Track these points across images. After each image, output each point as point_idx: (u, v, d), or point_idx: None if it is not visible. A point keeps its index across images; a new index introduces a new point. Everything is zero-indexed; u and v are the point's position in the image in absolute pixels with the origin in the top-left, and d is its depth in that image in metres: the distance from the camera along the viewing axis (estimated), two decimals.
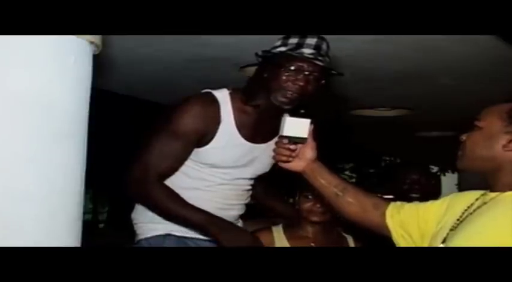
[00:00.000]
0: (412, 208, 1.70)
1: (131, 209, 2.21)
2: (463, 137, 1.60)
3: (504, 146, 1.51)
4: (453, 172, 7.38)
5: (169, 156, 1.99)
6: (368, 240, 2.30)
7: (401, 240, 1.68)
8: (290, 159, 1.84)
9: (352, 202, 1.77)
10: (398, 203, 1.75)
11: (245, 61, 2.05)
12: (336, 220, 2.46)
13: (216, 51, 2.93)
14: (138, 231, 2.16)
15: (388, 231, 1.70)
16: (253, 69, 2.13)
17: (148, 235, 2.11)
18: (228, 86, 2.09)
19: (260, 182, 2.32)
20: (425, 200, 1.73)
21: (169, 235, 2.08)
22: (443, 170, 8.11)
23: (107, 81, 3.44)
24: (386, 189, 3.29)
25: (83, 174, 1.29)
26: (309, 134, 1.81)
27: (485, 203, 1.51)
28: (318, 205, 2.46)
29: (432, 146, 5.85)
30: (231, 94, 2.04)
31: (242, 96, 2.02)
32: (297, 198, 2.57)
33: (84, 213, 1.32)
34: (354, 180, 8.83)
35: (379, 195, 2.00)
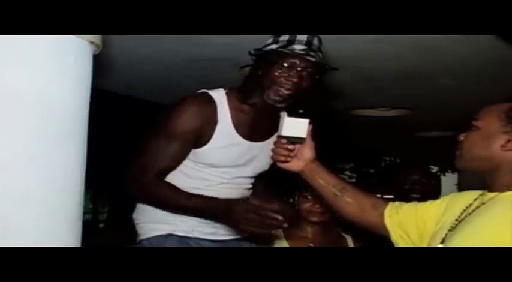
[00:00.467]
0: (411, 208, 1.70)
1: (131, 209, 2.21)
2: (461, 137, 1.60)
3: (502, 146, 1.51)
4: (453, 172, 7.38)
5: (167, 156, 1.99)
6: (367, 240, 2.30)
7: (399, 240, 1.68)
8: (288, 159, 1.84)
9: (351, 202, 1.77)
10: (397, 203, 1.74)
11: (245, 61, 2.05)
12: (335, 220, 2.46)
13: (216, 51, 2.93)
14: (139, 232, 2.16)
15: (387, 231, 1.70)
16: None
17: (150, 235, 2.11)
18: (228, 86, 2.09)
19: (259, 182, 2.32)
20: (425, 200, 1.73)
21: (171, 235, 2.08)
22: (443, 170, 8.11)
23: (107, 81, 3.44)
24: (386, 189, 3.29)
25: (83, 174, 1.29)
26: (307, 134, 1.81)
27: (483, 203, 1.51)
28: (317, 205, 2.46)
29: (432, 146, 5.84)
30: (227, 94, 2.04)
31: (238, 95, 2.03)
32: (296, 198, 2.57)
33: (84, 213, 1.32)
34: (354, 180, 8.83)
35: (379, 195, 2.00)
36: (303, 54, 1.89)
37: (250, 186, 2.24)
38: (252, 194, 2.30)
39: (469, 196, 1.59)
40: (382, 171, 8.83)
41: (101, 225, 8.49)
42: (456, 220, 1.53)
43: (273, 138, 1.98)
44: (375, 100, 4.35)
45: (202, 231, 2.09)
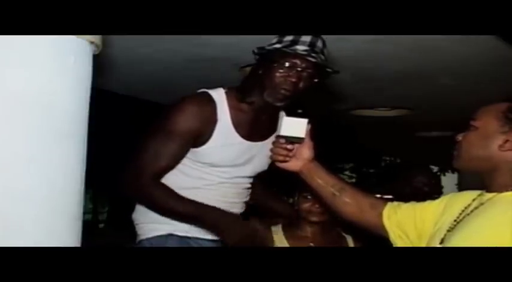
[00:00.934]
0: (409, 208, 1.70)
1: (131, 209, 2.21)
2: (459, 137, 1.60)
3: (500, 146, 1.50)
4: (453, 172, 7.37)
5: (165, 155, 1.99)
6: (367, 240, 2.30)
7: (398, 240, 1.68)
8: (287, 159, 1.84)
9: (349, 202, 1.77)
10: (396, 203, 1.74)
11: (245, 61, 2.06)
12: (335, 220, 2.46)
13: (216, 51, 2.93)
14: (139, 232, 2.16)
15: (385, 231, 1.70)
16: None
17: (150, 235, 2.11)
18: (227, 85, 2.10)
19: (259, 182, 2.32)
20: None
21: (171, 235, 2.08)
22: (443, 170, 8.10)
23: (107, 81, 3.44)
24: (386, 189, 3.29)
25: (83, 174, 1.29)
26: (306, 134, 1.82)
27: (482, 204, 1.51)
28: (317, 205, 2.46)
29: (432, 146, 5.84)
30: (226, 93, 2.05)
31: (237, 94, 2.03)
32: (296, 198, 2.57)
33: (84, 213, 1.32)
34: (354, 180, 8.82)
35: (379, 195, 2.00)
36: (305, 55, 1.89)
37: (249, 186, 2.24)
38: (252, 196, 2.30)
39: (468, 196, 1.58)
40: (382, 171, 8.82)
41: (101, 225, 8.48)
42: (455, 220, 1.53)
43: (272, 138, 1.98)
44: (375, 100, 4.35)
45: (202, 231, 2.09)
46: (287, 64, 1.91)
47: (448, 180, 7.18)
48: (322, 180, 1.81)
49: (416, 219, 1.65)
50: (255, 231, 2.04)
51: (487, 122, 1.53)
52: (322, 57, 1.93)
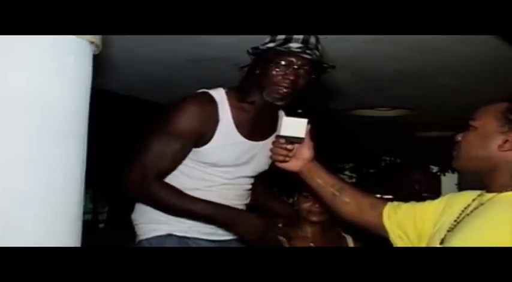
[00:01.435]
0: (409, 208, 1.70)
1: (131, 209, 2.21)
2: (459, 137, 1.59)
3: (500, 146, 1.50)
4: (453, 172, 7.37)
5: (167, 156, 1.99)
6: (367, 240, 2.30)
7: (398, 240, 1.68)
8: (287, 159, 1.84)
9: (349, 202, 1.77)
10: (395, 203, 1.74)
11: (245, 61, 2.05)
12: (335, 220, 2.46)
13: (216, 51, 2.93)
14: (138, 232, 2.16)
15: (385, 231, 1.70)
16: None
17: (149, 236, 2.11)
18: (227, 85, 2.10)
19: (259, 182, 2.32)
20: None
21: (170, 235, 2.08)
22: (443, 170, 8.11)
23: (107, 81, 3.44)
24: (386, 189, 3.30)
25: (83, 174, 1.29)
26: (306, 134, 1.82)
27: (482, 204, 1.51)
28: (317, 205, 2.46)
29: (432, 146, 5.85)
30: (227, 93, 2.05)
31: (237, 94, 2.03)
32: (296, 198, 2.57)
33: (84, 213, 1.32)
34: (354, 180, 8.83)
35: (378, 195, 2.00)
36: (299, 52, 1.90)
37: (250, 187, 2.24)
38: (252, 196, 2.30)
39: (467, 196, 1.58)
40: (382, 171, 8.83)
41: (101, 225, 8.48)
42: (455, 221, 1.53)
43: (273, 138, 1.98)
44: (375, 100, 4.35)
45: (200, 231, 2.09)
46: (283, 62, 1.92)
47: (448, 180, 7.19)
48: (322, 180, 1.81)
49: (416, 219, 1.65)
50: (270, 224, 2.05)
51: (487, 122, 1.53)
52: (317, 53, 1.93)
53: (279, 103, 1.96)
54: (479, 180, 1.57)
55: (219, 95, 2.04)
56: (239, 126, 2.04)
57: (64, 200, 1.22)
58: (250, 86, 2.01)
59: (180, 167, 2.06)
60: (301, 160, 1.83)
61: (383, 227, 1.70)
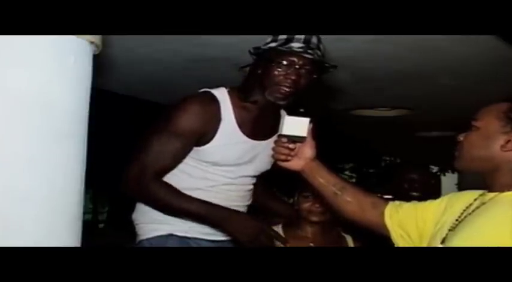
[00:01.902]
0: (411, 208, 1.70)
1: (131, 209, 2.20)
2: (461, 137, 1.59)
3: (502, 146, 1.50)
4: (453, 172, 7.37)
5: (167, 155, 1.99)
6: (367, 240, 2.30)
7: (400, 240, 1.68)
8: (289, 158, 1.84)
9: (351, 201, 1.77)
10: (397, 202, 1.74)
11: (245, 61, 2.05)
12: (335, 220, 2.46)
13: (216, 51, 2.93)
14: (139, 232, 2.16)
15: (387, 230, 1.70)
16: None
17: (150, 236, 2.11)
18: (229, 85, 2.10)
19: (260, 182, 2.32)
20: (425, 200, 1.73)
21: (171, 235, 2.08)
22: (443, 170, 8.10)
23: (107, 81, 3.44)
24: (386, 189, 3.29)
25: (83, 174, 1.29)
26: (308, 133, 1.82)
27: (483, 204, 1.51)
28: (317, 205, 2.46)
29: (432, 146, 5.85)
30: (229, 92, 2.05)
31: (239, 93, 2.04)
32: (296, 198, 2.57)
33: (84, 213, 1.32)
34: (354, 180, 8.82)
35: (379, 195, 2.00)
36: (301, 52, 1.90)
37: (252, 187, 2.24)
38: (252, 196, 2.30)
39: (469, 196, 1.58)
40: (382, 171, 8.82)
41: (101, 225, 8.47)
42: (456, 220, 1.53)
43: (275, 137, 1.99)
44: (375, 100, 4.35)
45: (201, 232, 2.09)
46: (284, 62, 1.92)
47: (448, 180, 7.19)
48: (324, 180, 1.81)
49: (418, 218, 1.65)
50: (264, 227, 2.04)
51: (489, 122, 1.53)
52: (319, 53, 1.94)
53: (281, 102, 1.97)
54: (481, 180, 1.57)
55: (221, 94, 2.04)
56: (241, 125, 2.05)
57: (64, 200, 1.22)
58: (252, 85, 2.01)
59: (182, 167, 2.06)
60: (303, 159, 1.83)
61: (384, 227, 1.70)
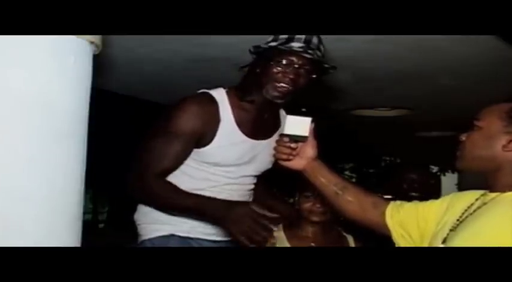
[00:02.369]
0: (412, 207, 1.70)
1: (131, 209, 2.20)
2: (463, 137, 1.59)
3: (504, 146, 1.50)
4: (453, 172, 7.37)
5: (169, 156, 1.99)
6: (368, 240, 2.30)
7: (401, 239, 1.68)
8: (290, 157, 1.84)
9: (352, 201, 1.77)
10: (398, 202, 1.74)
11: (245, 61, 2.05)
12: (336, 220, 2.46)
13: (216, 51, 2.93)
14: (141, 232, 2.16)
15: (388, 230, 1.70)
16: None
17: (152, 236, 2.11)
18: (227, 85, 2.10)
19: (260, 182, 2.32)
20: (425, 200, 1.73)
21: (173, 236, 2.08)
22: (443, 170, 8.11)
23: (107, 81, 3.44)
24: (386, 189, 3.30)
25: (83, 174, 1.29)
26: (309, 133, 1.82)
27: (485, 204, 1.51)
28: (318, 205, 2.46)
29: (432, 146, 5.85)
30: (227, 92, 2.05)
31: (237, 93, 2.04)
32: (296, 198, 2.57)
33: (84, 213, 1.32)
34: (354, 180, 8.82)
35: (379, 195, 2.00)
36: (301, 52, 1.90)
37: (253, 187, 2.24)
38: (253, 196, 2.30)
39: (471, 196, 1.58)
40: (382, 171, 8.82)
41: (101, 225, 8.48)
42: (458, 220, 1.53)
43: (276, 137, 1.99)
44: (375, 100, 4.35)
45: (203, 232, 2.09)
46: (284, 61, 1.92)
47: (448, 180, 7.19)
48: (325, 179, 1.81)
49: (419, 218, 1.65)
50: (250, 212, 1.95)
51: (491, 122, 1.53)
52: (319, 53, 1.94)
53: (278, 101, 1.97)
54: (481, 180, 1.57)
55: (220, 94, 2.04)
56: (240, 125, 2.05)
57: (64, 200, 1.22)
58: (250, 84, 2.01)
59: (184, 168, 2.06)
60: (304, 159, 1.83)
61: (385, 226, 1.70)
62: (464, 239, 1.45)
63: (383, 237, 1.74)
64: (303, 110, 1.84)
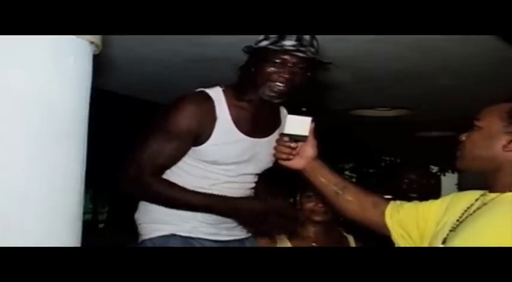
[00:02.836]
0: (412, 207, 1.70)
1: (131, 209, 2.20)
2: (463, 137, 1.59)
3: (504, 146, 1.50)
4: (453, 172, 7.38)
5: (164, 154, 1.99)
6: (368, 240, 2.30)
7: (400, 239, 1.68)
8: (290, 157, 1.84)
9: (352, 201, 1.77)
10: (398, 202, 1.74)
11: (245, 61, 2.06)
12: (337, 220, 2.46)
13: (216, 51, 2.94)
14: (141, 232, 2.16)
15: (388, 230, 1.70)
16: None
17: (153, 235, 2.11)
18: (225, 84, 2.10)
19: (261, 181, 2.32)
20: (425, 200, 1.73)
21: (173, 235, 2.07)
22: (443, 170, 8.11)
23: (107, 81, 3.45)
24: (386, 189, 3.30)
25: (83, 174, 1.29)
26: (310, 132, 1.82)
27: (485, 204, 1.51)
28: (320, 205, 2.46)
29: (432, 146, 5.85)
30: (224, 91, 2.05)
31: (235, 92, 2.04)
32: (297, 198, 2.57)
33: (84, 213, 1.32)
34: (354, 180, 8.82)
35: (379, 194, 2.00)
36: (293, 50, 1.90)
37: (253, 185, 2.24)
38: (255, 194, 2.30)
39: (470, 196, 1.58)
40: (382, 171, 8.82)
41: (101, 225, 8.47)
42: (457, 220, 1.52)
43: (275, 135, 1.98)
44: (375, 100, 4.35)
45: (204, 232, 2.09)
46: (277, 60, 1.92)
47: (448, 180, 7.19)
48: (325, 179, 1.81)
49: (419, 218, 1.65)
50: (270, 209, 2.04)
51: (491, 122, 1.53)
52: (312, 49, 1.94)
53: (275, 100, 1.98)
54: (482, 180, 1.57)
55: (216, 93, 2.04)
56: (238, 123, 2.05)
57: (64, 200, 1.22)
58: (247, 84, 2.02)
59: (183, 166, 2.06)
60: (304, 158, 1.83)
61: (385, 226, 1.70)
62: (464, 240, 1.44)
63: (383, 237, 1.74)
64: (303, 109, 1.84)
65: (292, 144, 1.82)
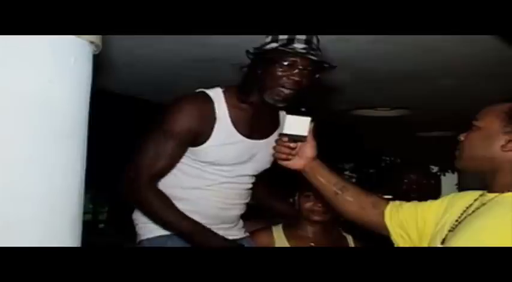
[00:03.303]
0: (411, 208, 1.70)
1: (131, 209, 2.20)
2: (462, 137, 1.59)
3: (503, 146, 1.50)
4: (453, 172, 7.37)
5: (163, 156, 1.99)
6: (368, 240, 2.30)
7: (400, 240, 1.68)
8: (290, 157, 1.84)
9: (351, 201, 1.77)
10: (397, 202, 1.74)
11: (245, 61, 2.05)
12: (335, 220, 2.46)
13: (216, 51, 2.93)
14: (139, 232, 2.16)
15: (387, 230, 1.70)
16: None
17: (151, 236, 2.11)
18: (225, 85, 2.10)
19: (260, 182, 2.32)
20: (424, 200, 1.73)
21: (172, 235, 2.08)
22: (443, 170, 8.10)
23: (107, 81, 3.44)
24: (386, 189, 3.30)
25: (83, 174, 1.28)
26: (309, 132, 1.82)
27: (484, 204, 1.51)
28: (320, 204, 2.46)
29: (432, 146, 5.85)
30: (224, 92, 2.05)
31: (236, 94, 2.03)
32: (296, 198, 2.57)
33: (84, 213, 1.32)
34: (353, 180, 8.81)
35: (379, 195, 2.00)
36: (304, 53, 1.89)
37: (251, 186, 2.24)
38: (253, 196, 2.30)
39: (469, 196, 1.58)
40: (382, 171, 8.82)
41: (101, 225, 8.47)
42: (456, 221, 1.53)
43: (274, 136, 1.98)
44: (375, 100, 4.36)
45: None
46: (287, 63, 1.91)
47: (448, 180, 7.19)
48: (325, 179, 1.81)
49: (418, 218, 1.65)
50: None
51: (490, 122, 1.53)
52: (320, 53, 1.94)
53: (279, 105, 1.97)
54: (481, 180, 1.57)
55: (216, 94, 2.04)
56: (237, 124, 2.04)
57: (64, 200, 1.22)
58: (251, 86, 2.00)
59: (180, 166, 2.06)
60: (304, 158, 1.83)
61: (384, 226, 1.70)
62: (463, 240, 1.44)
63: (382, 238, 1.74)
64: (303, 109, 1.84)
65: (291, 145, 1.82)
